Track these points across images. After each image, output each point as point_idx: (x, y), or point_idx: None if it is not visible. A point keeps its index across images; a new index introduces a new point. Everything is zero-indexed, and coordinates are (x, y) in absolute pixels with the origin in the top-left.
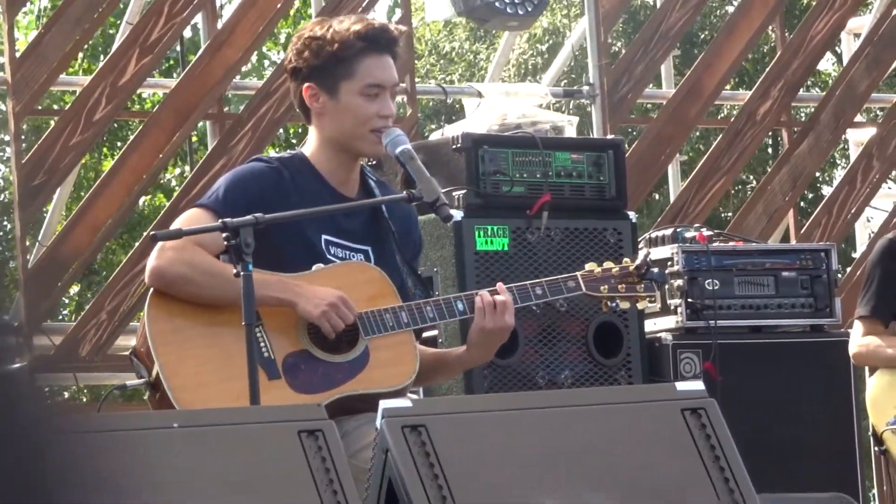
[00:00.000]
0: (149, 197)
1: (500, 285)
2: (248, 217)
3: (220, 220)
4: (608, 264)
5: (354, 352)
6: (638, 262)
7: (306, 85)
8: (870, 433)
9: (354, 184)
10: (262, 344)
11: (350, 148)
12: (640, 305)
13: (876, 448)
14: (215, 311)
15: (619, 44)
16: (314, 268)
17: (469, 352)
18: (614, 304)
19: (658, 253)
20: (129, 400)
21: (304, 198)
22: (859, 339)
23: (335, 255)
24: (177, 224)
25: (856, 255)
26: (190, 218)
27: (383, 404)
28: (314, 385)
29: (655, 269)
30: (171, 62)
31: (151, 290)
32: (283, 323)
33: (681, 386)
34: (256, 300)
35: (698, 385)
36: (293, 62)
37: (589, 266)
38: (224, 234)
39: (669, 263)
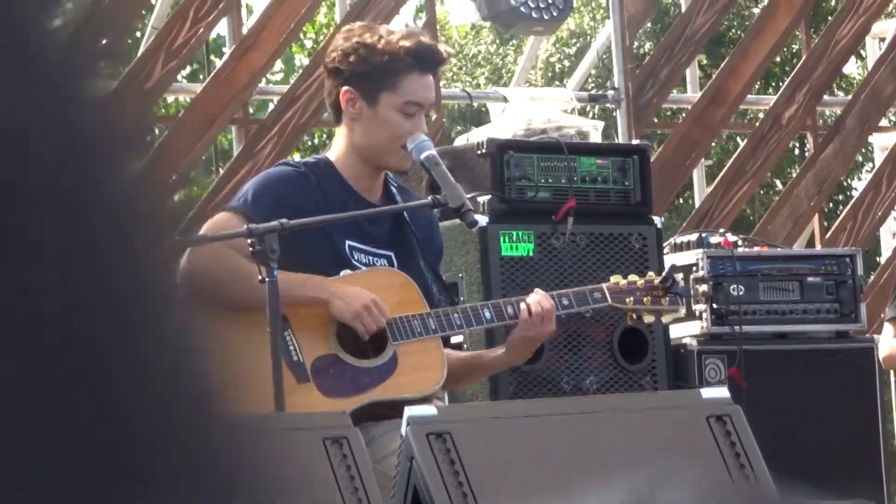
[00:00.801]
0: None
1: (541, 293)
2: (274, 223)
3: (245, 226)
4: (633, 277)
5: (382, 357)
6: (663, 275)
7: (346, 88)
8: None
9: (378, 189)
10: (291, 347)
11: (377, 160)
12: (664, 319)
13: None
14: (244, 311)
15: (647, 45)
16: (342, 273)
17: (507, 354)
18: (639, 317)
19: (683, 258)
20: None
21: (329, 203)
22: (889, 342)
23: (359, 260)
24: (205, 227)
25: (881, 260)
26: (218, 221)
27: (408, 411)
28: (343, 389)
29: (681, 283)
30: (195, 66)
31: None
32: (312, 326)
33: (706, 393)
34: (290, 299)
35: (723, 392)
36: (336, 62)
37: (614, 278)
38: (249, 241)
39: (694, 269)
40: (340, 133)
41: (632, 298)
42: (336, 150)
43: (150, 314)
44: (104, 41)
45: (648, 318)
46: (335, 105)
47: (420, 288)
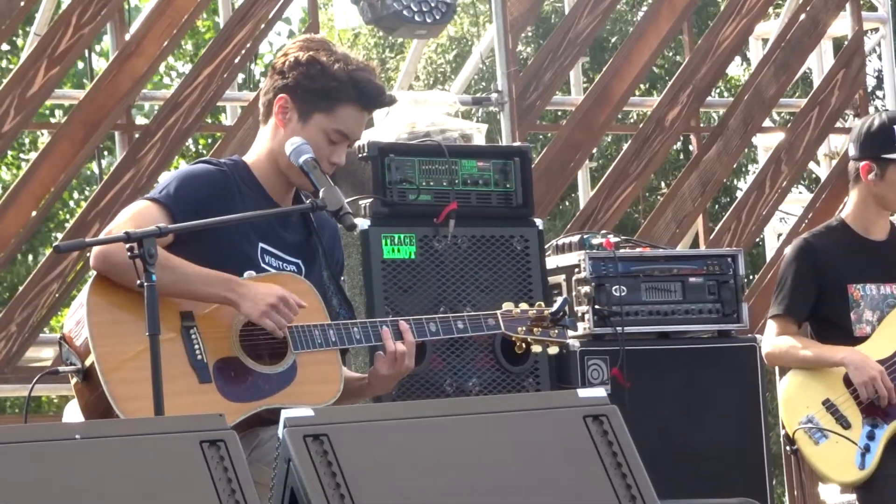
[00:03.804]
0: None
1: (403, 325)
2: (152, 227)
3: (126, 232)
4: (524, 306)
5: (282, 364)
6: (554, 308)
7: (284, 95)
8: (782, 434)
9: (290, 198)
10: (196, 346)
11: (286, 171)
12: (550, 350)
13: (787, 448)
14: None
15: (528, 49)
16: (245, 275)
17: (370, 386)
18: (528, 346)
19: (565, 260)
20: (35, 412)
21: (246, 206)
22: (773, 339)
23: (269, 263)
24: (124, 215)
25: (766, 260)
26: (139, 211)
27: (285, 413)
28: (243, 393)
29: (569, 317)
30: (78, 72)
31: (93, 278)
32: (217, 327)
33: (583, 393)
34: (197, 294)
35: (600, 392)
36: (285, 68)
37: (506, 305)
38: (128, 246)
39: (576, 270)
40: (263, 135)
41: (523, 328)
42: (255, 153)
43: None
44: None
45: (536, 348)
46: (268, 104)
47: (321, 299)
